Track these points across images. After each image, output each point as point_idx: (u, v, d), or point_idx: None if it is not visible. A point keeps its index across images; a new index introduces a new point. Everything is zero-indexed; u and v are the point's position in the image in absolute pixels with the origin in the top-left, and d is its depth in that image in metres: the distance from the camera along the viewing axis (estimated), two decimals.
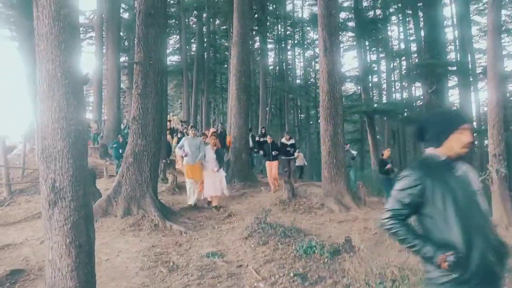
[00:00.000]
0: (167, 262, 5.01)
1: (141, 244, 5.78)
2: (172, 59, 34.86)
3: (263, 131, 14.26)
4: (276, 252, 5.13)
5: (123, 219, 6.87)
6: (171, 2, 26.40)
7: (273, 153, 10.43)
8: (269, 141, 10.70)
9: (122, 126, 17.20)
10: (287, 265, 4.63)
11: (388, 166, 9.46)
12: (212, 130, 10.55)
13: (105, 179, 11.50)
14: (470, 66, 19.66)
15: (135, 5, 8.22)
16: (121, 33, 22.91)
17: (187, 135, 11.13)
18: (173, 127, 17.20)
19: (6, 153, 10.32)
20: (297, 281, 4.10)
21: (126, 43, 26.54)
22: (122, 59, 24.69)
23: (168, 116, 18.39)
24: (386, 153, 10.06)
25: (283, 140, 11.71)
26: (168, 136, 14.34)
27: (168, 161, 12.85)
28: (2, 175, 10.06)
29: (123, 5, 24.00)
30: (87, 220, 3.11)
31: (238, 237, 5.94)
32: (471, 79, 20.25)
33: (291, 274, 4.28)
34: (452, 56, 24.94)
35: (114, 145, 12.44)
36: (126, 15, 25.87)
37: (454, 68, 16.75)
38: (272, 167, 10.32)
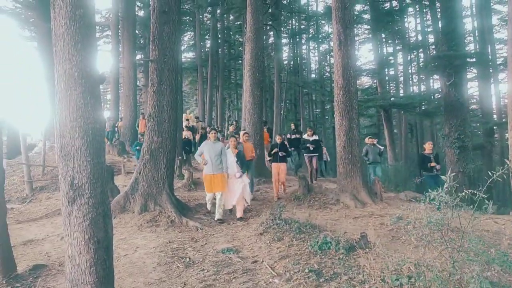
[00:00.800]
0: (183, 257, 5.09)
1: (158, 240, 5.88)
2: (187, 56, 35.20)
3: (293, 128, 13.03)
4: (291, 248, 5.13)
5: (140, 215, 7.00)
6: None
7: (280, 154, 8.99)
8: (278, 141, 9.29)
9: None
10: (302, 261, 4.63)
11: (432, 164, 8.30)
12: (242, 132, 9.21)
13: (122, 176, 11.71)
14: (490, 57, 19.14)
15: (150, 3, 8.27)
16: (137, 31, 23.17)
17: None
18: (193, 126, 17.20)
19: (27, 151, 10.62)
20: (312, 277, 4.10)
21: (141, 41, 26.82)
22: (138, 56, 24.99)
23: (185, 114, 18.48)
24: (428, 146, 8.72)
25: (305, 136, 11.32)
26: (189, 133, 14.44)
27: (184, 158, 13.00)
28: (23, 172, 10.36)
29: (138, 3, 24.27)
30: (105, 216, 3.17)
31: (253, 233, 5.97)
32: (491, 71, 19.74)
33: (306, 270, 4.28)
34: (471, 47, 24.33)
35: (137, 148, 12.32)
36: (141, 13, 26.14)
37: (473, 59, 16.33)
38: (279, 170, 8.97)
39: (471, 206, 3.16)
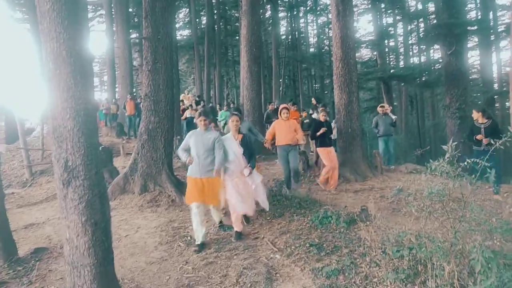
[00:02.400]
0: (184, 236, 5.10)
1: (159, 220, 5.89)
2: (183, 34, 34.53)
3: (316, 104, 11.22)
4: (292, 223, 5.14)
5: (140, 195, 6.99)
6: None
7: (332, 136, 7.52)
8: (322, 119, 7.61)
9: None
10: (303, 236, 4.63)
11: (479, 136, 6.33)
12: (282, 106, 7.19)
13: (122, 157, 11.67)
14: (491, 24, 18.75)
15: None
16: (131, 9, 22.63)
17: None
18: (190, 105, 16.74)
19: (25, 136, 10.56)
20: (313, 251, 4.11)
21: (135, 19, 26.25)
22: (133, 35, 24.52)
23: (183, 94, 18.10)
24: (475, 114, 6.67)
25: (310, 112, 10.99)
26: (194, 112, 14.12)
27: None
28: (23, 157, 10.34)
29: None
30: (102, 198, 3.13)
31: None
32: (492, 38, 19.37)
33: (307, 245, 4.28)
34: (472, 14, 23.79)
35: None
36: None
37: (474, 27, 15.98)
38: (330, 156, 7.33)
39: (473, 176, 3.11)
